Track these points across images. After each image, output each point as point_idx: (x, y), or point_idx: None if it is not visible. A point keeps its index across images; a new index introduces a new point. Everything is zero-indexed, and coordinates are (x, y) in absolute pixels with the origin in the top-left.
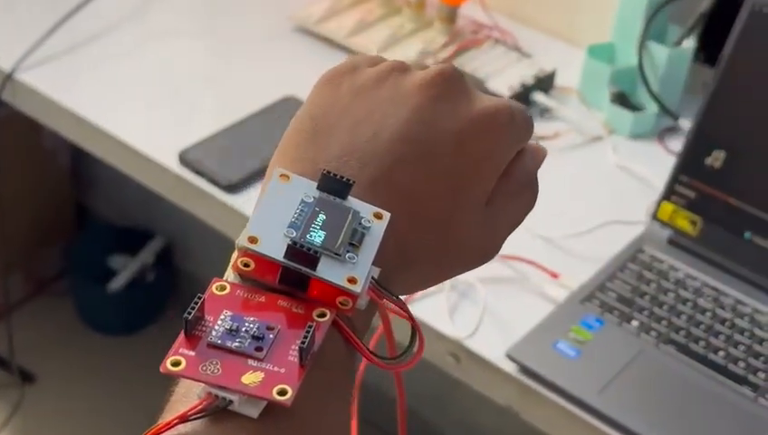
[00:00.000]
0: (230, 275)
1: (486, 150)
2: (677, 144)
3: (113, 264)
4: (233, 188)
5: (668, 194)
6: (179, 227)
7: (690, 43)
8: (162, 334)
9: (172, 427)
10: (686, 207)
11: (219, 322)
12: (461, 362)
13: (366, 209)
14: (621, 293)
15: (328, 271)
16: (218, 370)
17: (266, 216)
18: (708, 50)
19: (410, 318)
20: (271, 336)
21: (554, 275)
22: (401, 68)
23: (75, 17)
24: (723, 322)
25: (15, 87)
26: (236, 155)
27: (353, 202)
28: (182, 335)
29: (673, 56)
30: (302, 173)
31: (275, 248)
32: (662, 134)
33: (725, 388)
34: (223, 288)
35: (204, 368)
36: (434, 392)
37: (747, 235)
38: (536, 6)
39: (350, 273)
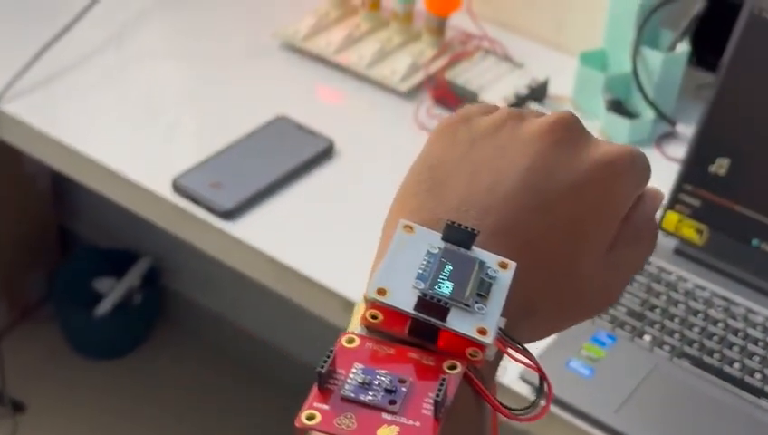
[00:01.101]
0: (357, 327)
1: (607, 197)
2: (676, 150)
3: (99, 286)
4: (229, 214)
5: (673, 203)
6: (165, 247)
7: (684, 47)
8: (151, 356)
9: None
10: (692, 215)
11: (351, 375)
12: None
13: (491, 259)
14: (631, 307)
15: (458, 322)
16: (353, 423)
17: (393, 267)
18: (701, 53)
19: (538, 368)
20: (404, 389)
21: None
22: (517, 116)
23: (56, 46)
24: (736, 332)
25: None
26: (231, 180)
27: (478, 252)
28: (315, 389)
29: (668, 61)
30: (422, 224)
31: (405, 300)
32: (659, 140)
33: (743, 401)
34: (351, 341)
35: (339, 422)
36: None
37: (755, 242)
38: (524, 14)
39: (479, 323)
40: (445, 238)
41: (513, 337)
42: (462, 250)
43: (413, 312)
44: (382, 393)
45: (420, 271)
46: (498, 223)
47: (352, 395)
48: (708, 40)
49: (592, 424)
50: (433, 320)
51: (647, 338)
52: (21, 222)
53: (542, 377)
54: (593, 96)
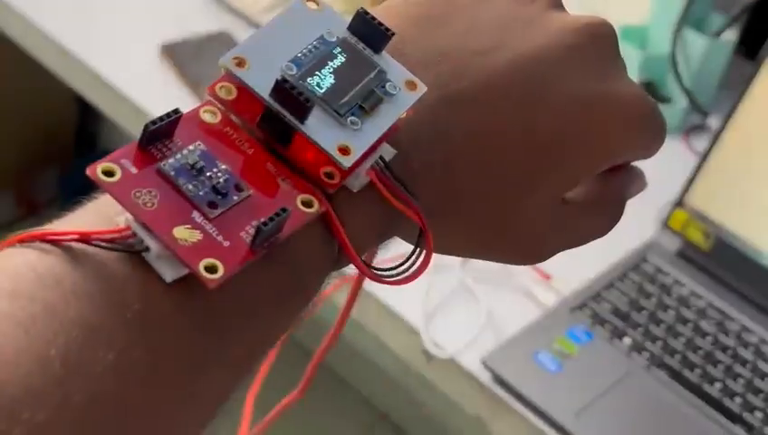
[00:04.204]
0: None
1: (601, 135)
2: (703, 144)
3: None
4: None
5: (683, 200)
6: None
7: (731, 35)
8: None
9: (68, 239)
10: (701, 217)
11: (186, 151)
12: (432, 362)
13: (399, 73)
14: (617, 305)
15: (318, 129)
16: (153, 204)
17: (269, 40)
18: (750, 44)
19: (419, 218)
20: (235, 198)
21: (545, 277)
22: (556, 2)
23: None
24: (724, 349)
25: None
26: None
27: (387, 60)
28: (133, 145)
29: (711, 48)
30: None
31: (263, 81)
32: (689, 131)
33: (717, 424)
34: (213, 115)
35: (137, 195)
36: (403, 389)
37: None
38: None
39: (345, 140)
40: (351, 29)
41: (397, 175)
42: (367, 50)
43: (265, 97)
44: (207, 189)
45: (300, 54)
46: (463, 92)
47: (171, 173)
48: (759, 31)
49: (548, 423)
50: (287, 115)
51: (626, 341)
52: (40, 115)
53: (423, 231)
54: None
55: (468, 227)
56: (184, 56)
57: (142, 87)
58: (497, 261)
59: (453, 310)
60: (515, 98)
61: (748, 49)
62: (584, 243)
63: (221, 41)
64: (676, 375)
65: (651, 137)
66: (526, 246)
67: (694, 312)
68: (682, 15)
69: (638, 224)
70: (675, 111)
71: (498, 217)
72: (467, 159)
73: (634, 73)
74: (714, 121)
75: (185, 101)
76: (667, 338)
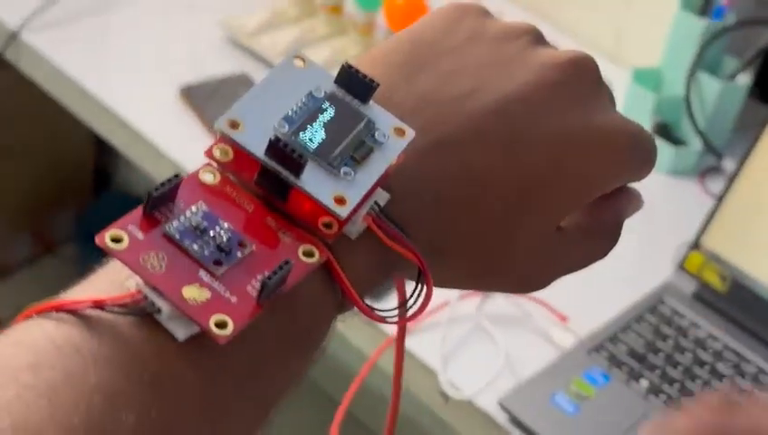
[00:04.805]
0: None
1: (586, 169)
2: (719, 186)
3: None
4: None
5: (699, 243)
6: None
7: (745, 79)
8: None
9: (82, 307)
10: (717, 259)
11: (188, 213)
12: (450, 403)
13: (387, 122)
14: (634, 347)
15: (313, 182)
16: (161, 267)
17: (260, 100)
18: (763, 87)
19: (417, 258)
20: (239, 254)
21: (562, 319)
22: (537, 36)
23: None
24: (741, 392)
25: (20, 47)
26: None
27: (375, 109)
28: (138, 211)
29: (725, 91)
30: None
31: (257, 141)
32: (703, 173)
33: None
34: (212, 176)
35: (145, 259)
36: (420, 430)
37: None
38: (582, 17)
39: (340, 190)
40: (338, 83)
41: (392, 217)
42: (354, 102)
43: (261, 156)
44: (212, 248)
45: (290, 112)
46: (448, 136)
47: (176, 236)
48: None
49: None
50: (283, 172)
51: (643, 383)
52: (57, 155)
53: (422, 269)
54: (641, 116)
55: (464, 261)
56: (202, 98)
57: (161, 128)
58: (498, 291)
59: (470, 352)
60: (498, 138)
61: (762, 92)
62: (584, 267)
63: (239, 83)
64: None
65: (640, 163)
66: (522, 275)
67: (711, 354)
68: (696, 58)
69: (655, 266)
70: (689, 153)
71: (491, 250)
72: (455, 200)
73: (648, 115)
74: (728, 164)
75: (202, 142)
76: (685, 380)
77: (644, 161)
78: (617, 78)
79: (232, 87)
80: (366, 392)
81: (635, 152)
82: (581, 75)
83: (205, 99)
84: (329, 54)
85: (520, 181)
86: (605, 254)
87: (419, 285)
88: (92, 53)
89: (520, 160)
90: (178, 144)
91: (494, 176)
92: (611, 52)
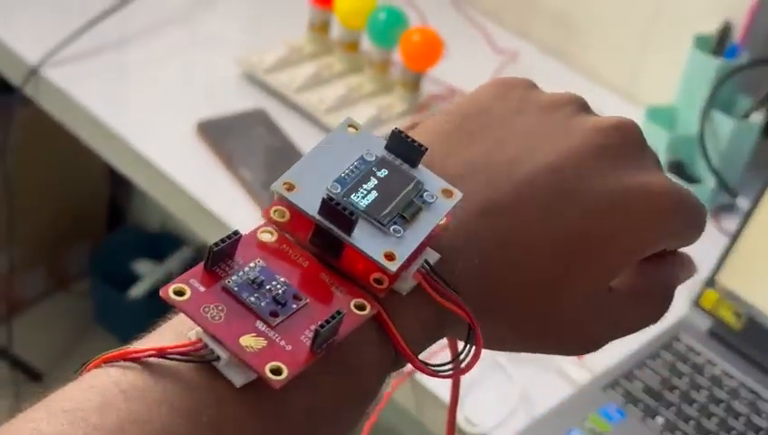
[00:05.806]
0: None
1: (631, 229)
2: (733, 223)
3: (138, 268)
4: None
5: (714, 280)
6: (211, 237)
7: (759, 117)
8: None
9: (146, 356)
10: (732, 297)
11: (247, 268)
12: None
13: (435, 183)
14: (649, 384)
15: (365, 240)
16: (220, 318)
17: (314, 164)
18: None
19: (467, 314)
20: (294, 306)
21: None
22: (582, 105)
23: (111, 18)
24: (757, 431)
25: (39, 83)
26: None
27: (423, 172)
28: (200, 266)
29: (739, 129)
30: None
31: (312, 201)
32: (717, 211)
33: None
34: (270, 235)
35: (206, 310)
36: None
37: None
38: (597, 56)
39: (389, 247)
40: (389, 148)
41: (441, 276)
42: (404, 165)
43: (315, 215)
44: (268, 301)
45: (343, 174)
46: (496, 201)
47: (235, 289)
48: None
49: None
50: (335, 230)
51: (659, 420)
52: (73, 191)
53: (472, 326)
54: None
55: (512, 323)
56: (219, 134)
57: (177, 163)
58: (548, 353)
59: (486, 387)
60: (542, 204)
61: None
62: (634, 331)
63: (256, 118)
64: None
65: (685, 225)
66: (572, 337)
67: (726, 392)
68: (709, 97)
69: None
70: (703, 191)
71: (537, 313)
72: (500, 264)
73: (662, 153)
74: (742, 202)
75: (219, 176)
76: (700, 418)
77: (690, 224)
78: (631, 116)
79: (249, 123)
80: (379, 430)
81: (679, 214)
82: (625, 138)
83: (222, 134)
84: (375, 112)
85: (562, 246)
86: (656, 319)
87: (469, 342)
88: (111, 89)
89: (562, 225)
90: (195, 179)
91: (536, 243)
92: (626, 90)
